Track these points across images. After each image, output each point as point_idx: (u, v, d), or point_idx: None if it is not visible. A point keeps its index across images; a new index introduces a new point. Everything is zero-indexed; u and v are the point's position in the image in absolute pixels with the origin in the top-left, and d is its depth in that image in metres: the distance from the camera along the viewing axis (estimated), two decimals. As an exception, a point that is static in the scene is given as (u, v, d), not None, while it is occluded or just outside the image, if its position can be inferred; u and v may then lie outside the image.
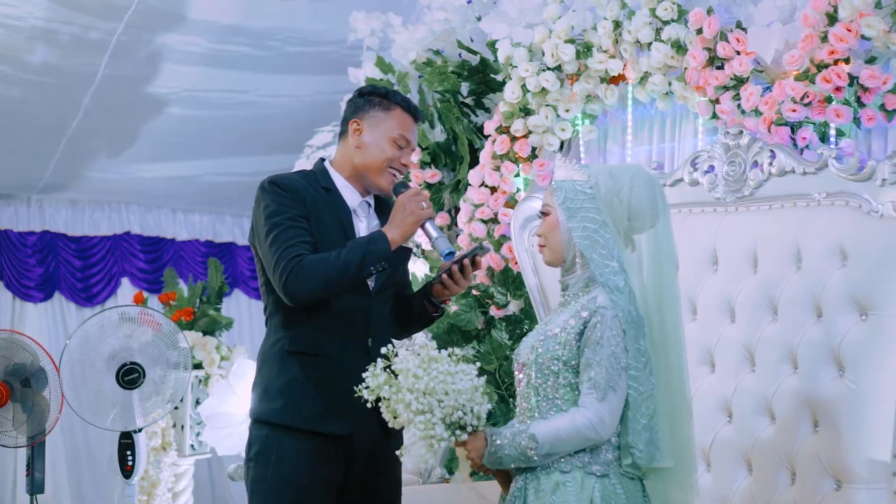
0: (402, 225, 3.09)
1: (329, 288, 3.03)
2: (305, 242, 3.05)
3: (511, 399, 4.69)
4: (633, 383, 2.78)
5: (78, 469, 7.88)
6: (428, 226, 3.14)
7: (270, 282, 3.10)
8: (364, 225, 3.22)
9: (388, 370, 2.79)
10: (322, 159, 3.29)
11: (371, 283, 3.16)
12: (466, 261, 3.16)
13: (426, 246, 5.37)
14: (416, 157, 5.27)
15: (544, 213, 2.95)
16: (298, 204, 3.10)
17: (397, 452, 2.88)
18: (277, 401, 3.09)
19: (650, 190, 2.87)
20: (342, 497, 3.13)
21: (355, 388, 2.80)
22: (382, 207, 3.29)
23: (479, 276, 4.89)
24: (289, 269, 3.00)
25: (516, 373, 2.95)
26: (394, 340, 2.85)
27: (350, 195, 3.23)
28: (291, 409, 3.07)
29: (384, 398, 2.78)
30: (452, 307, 4.91)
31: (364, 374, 2.79)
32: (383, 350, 2.80)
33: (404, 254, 3.29)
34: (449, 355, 2.82)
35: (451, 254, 3.10)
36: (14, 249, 7.93)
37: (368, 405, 2.80)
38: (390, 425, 2.82)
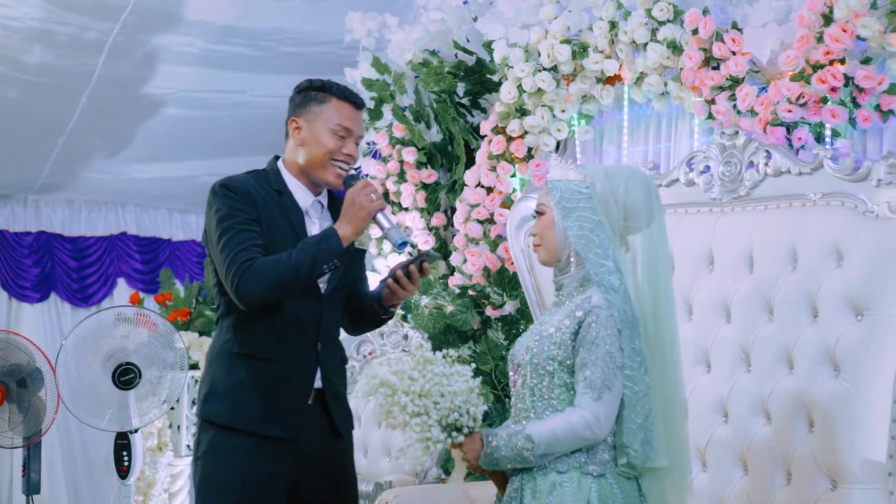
0: (352, 220, 3.05)
1: (281, 289, 3.01)
2: (257, 245, 3.02)
3: (507, 399, 4.69)
4: (628, 383, 2.78)
5: (74, 470, 7.87)
6: (380, 217, 3.08)
7: (222, 283, 3.09)
8: (317, 226, 3.18)
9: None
10: (276, 157, 3.25)
11: (323, 286, 3.14)
12: (413, 267, 3.12)
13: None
14: (412, 157, 5.28)
15: (539, 213, 2.95)
16: (249, 207, 3.07)
17: (396, 453, 2.88)
18: (224, 402, 3.07)
19: (646, 190, 2.87)
20: (296, 495, 3.11)
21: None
22: (336, 206, 3.24)
23: (475, 277, 4.89)
24: (240, 273, 2.97)
25: (511, 373, 2.95)
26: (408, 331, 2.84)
27: (302, 196, 3.18)
28: (238, 411, 3.05)
29: (380, 403, 2.79)
30: (448, 307, 4.91)
31: (359, 376, 2.80)
32: (379, 349, 2.80)
33: (358, 254, 3.24)
34: (444, 357, 2.82)
35: (404, 244, 3.05)
36: (10, 250, 7.93)
37: (369, 400, 2.80)
38: (386, 427, 2.82)
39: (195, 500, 3.12)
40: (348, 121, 3.16)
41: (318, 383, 3.11)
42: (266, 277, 2.97)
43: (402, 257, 4.93)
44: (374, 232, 5.52)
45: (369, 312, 3.25)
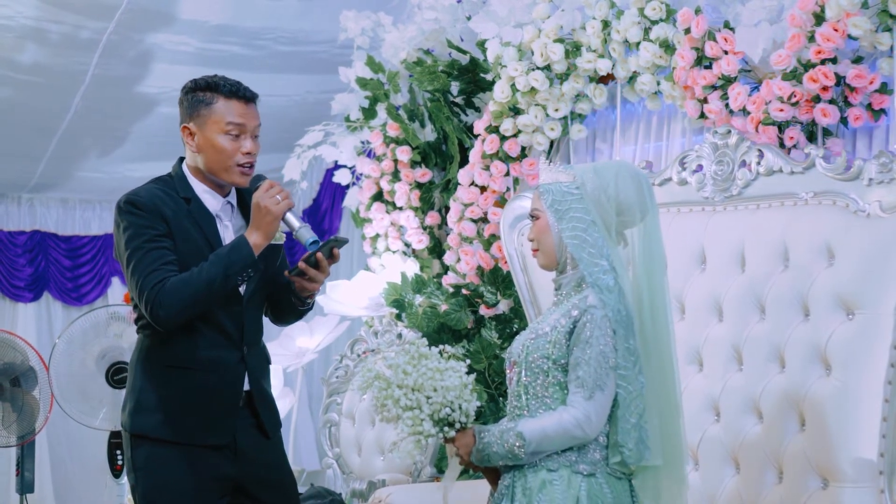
0: (261, 226, 2.97)
1: (197, 307, 2.95)
2: (168, 263, 2.95)
3: (501, 398, 4.70)
4: (622, 382, 2.78)
5: (67, 468, 7.86)
6: (289, 217, 3.01)
7: None
8: (230, 230, 3.11)
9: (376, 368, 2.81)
10: (181, 159, 3.14)
11: (243, 290, 3.08)
12: (320, 254, 3.03)
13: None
14: (406, 156, 5.28)
15: (534, 217, 2.95)
16: (157, 222, 2.98)
17: (390, 445, 2.88)
18: (155, 415, 3.02)
19: (636, 184, 2.87)
20: (240, 495, 3.09)
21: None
22: (246, 204, 3.14)
23: (469, 276, 4.90)
24: (153, 298, 2.91)
25: (507, 371, 2.96)
26: (404, 331, 2.83)
27: (210, 200, 3.09)
28: (170, 424, 3.01)
29: (375, 395, 2.80)
30: (442, 306, 4.92)
31: (356, 369, 2.81)
32: (374, 345, 2.81)
33: (274, 252, 3.14)
34: (440, 352, 2.83)
35: (316, 242, 2.99)
36: (4, 249, 7.92)
37: (362, 399, 2.82)
38: (379, 420, 2.84)
39: None
40: (239, 117, 3.04)
41: (246, 386, 3.09)
42: (179, 298, 2.91)
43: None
44: (367, 231, 5.53)
45: (287, 305, 3.19)
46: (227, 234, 3.10)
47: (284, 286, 3.17)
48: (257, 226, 2.98)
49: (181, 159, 3.14)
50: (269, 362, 3.24)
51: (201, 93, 3.06)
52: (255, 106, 3.10)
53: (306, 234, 3.00)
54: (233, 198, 3.16)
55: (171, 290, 2.91)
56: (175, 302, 2.91)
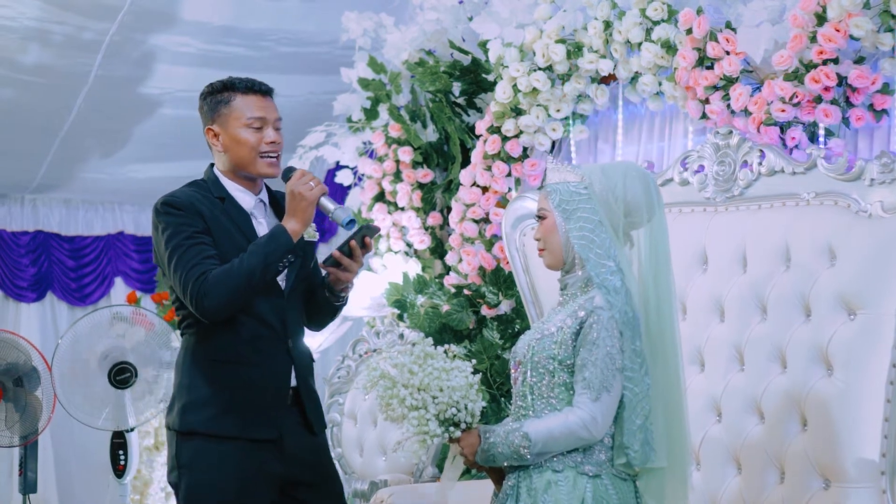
0: (296, 212, 3.04)
1: (240, 297, 2.99)
2: (209, 257, 3.01)
3: (503, 398, 4.70)
4: (628, 384, 2.78)
5: (70, 468, 7.87)
6: (323, 201, 3.07)
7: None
8: (264, 226, 3.16)
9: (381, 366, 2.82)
10: (212, 165, 3.23)
11: (283, 283, 3.14)
12: (353, 242, 3.08)
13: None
14: (407, 156, 5.29)
15: (541, 217, 2.94)
16: (195, 220, 3.06)
17: (394, 445, 2.88)
18: (204, 411, 3.05)
19: (644, 184, 2.87)
20: (286, 493, 3.11)
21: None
22: (279, 206, 3.21)
23: (471, 276, 4.90)
24: (196, 290, 2.96)
25: (512, 371, 2.96)
26: (406, 332, 2.83)
27: (243, 197, 3.17)
28: (220, 419, 3.03)
29: (380, 395, 2.80)
30: (444, 306, 4.92)
31: (358, 369, 2.81)
32: (376, 346, 2.81)
33: (309, 246, 3.20)
34: (445, 352, 2.83)
35: (353, 222, 3.03)
36: (7, 249, 7.93)
37: (365, 399, 2.82)
38: (384, 419, 2.83)
39: None
40: (259, 110, 3.13)
41: (292, 382, 3.12)
42: (222, 289, 2.96)
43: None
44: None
45: (322, 301, 3.23)
46: (262, 230, 3.15)
47: (319, 286, 3.23)
48: (293, 212, 3.04)
49: (212, 165, 3.22)
50: (312, 360, 3.27)
51: (219, 94, 3.15)
52: (273, 100, 3.19)
53: (342, 215, 3.05)
54: (265, 196, 3.23)
55: (214, 282, 2.97)
56: (219, 292, 2.96)
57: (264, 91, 3.16)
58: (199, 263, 2.99)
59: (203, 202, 3.09)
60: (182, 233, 3.03)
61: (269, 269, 3.00)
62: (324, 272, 3.19)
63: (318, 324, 3.34)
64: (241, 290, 2.98)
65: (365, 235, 3.10)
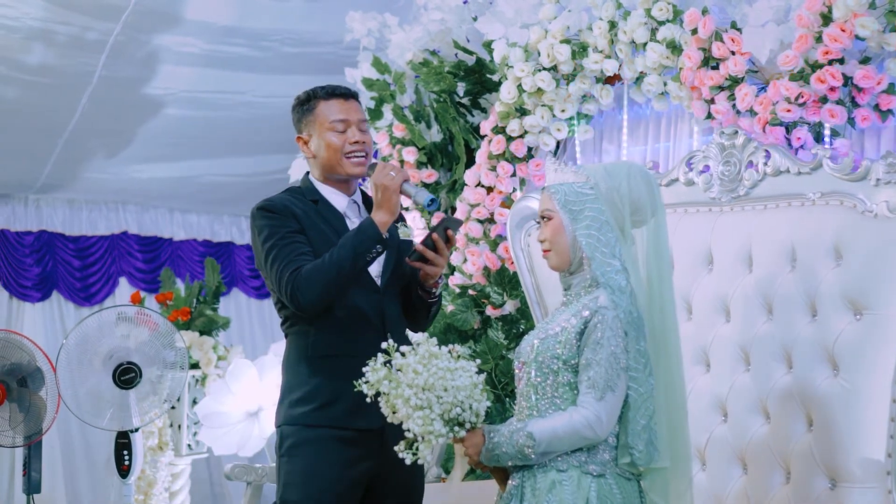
0: (382, 203, 3.12)
1: (333, 288, 3.09)
2: (303, 254, 3.13)
3: (507, 399, 4.70)
4: (633, 384, 2.79)
5: (74, 469, 7.87)
6: (406, 187, 3.15)
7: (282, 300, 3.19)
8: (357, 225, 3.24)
9: (388, 365, 2.81)
10: (307, 173, 3.37)
11: (378, 280, 3.22)
12: (436, 235, 3.15)
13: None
14: (412, 156, 5.29)
15: (546, 218, 2.94)
16: (290, 220, 3.18)
17: (395, 448, 2.87)
18: (308, 404, 3.16)
19: (647, 183, 2.90)
20: (374, 487, 3.19)
21: (354, 381, 2.83)
22: (371, 204, 3.31)
23: (475, 277, 4.90)
24: (291, 284, 3.08)
25: (516, 371, 2.96)
26: (409, 333, 2.85)
27: (337, 199, 3.29)
28: (323, 410, 3.14)
29: (384, 393, 2.80)
30: (449, 306, 4.92)
31: (364, 369, 2.82)
32: (384, 345, 2.82)
33: (406, 246, 3.28)
34: (449, 352, 2.83)
35: (434, 201, 3.12)
36: (11, 249, 7.93)
37: (368, 400, 2.82)
38: (389, 420, 2.84)
39: (280, 493, 3.19)
40: (341, 113, 3.26)
41: None
42: (314, 282, 3.06)
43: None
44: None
45: (416, 299, 3.30)
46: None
47: (414, 283, 3.30)
48: (379, 204, 3.13)
49: (307, 173, 3.35)
50: None
51: (304, 104, 3.31)
52: (357, 102, 3.32)
53: (422, 197, 3.15)
54: (358, 197, 3.34)
55: (307, 276, 3.07)
56: (312, 286, 3.06)
57: (346, 94, 3.29)
58: (293, 260, 3.10)
59: (297, 205, 3.22)
60: (277, 233, 3.16)
61: (358, 261, 3.08)
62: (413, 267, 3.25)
63: (418, 323, 3.37)
64: (332, 282, 3.07)
65: (448, 228, 3.17)
